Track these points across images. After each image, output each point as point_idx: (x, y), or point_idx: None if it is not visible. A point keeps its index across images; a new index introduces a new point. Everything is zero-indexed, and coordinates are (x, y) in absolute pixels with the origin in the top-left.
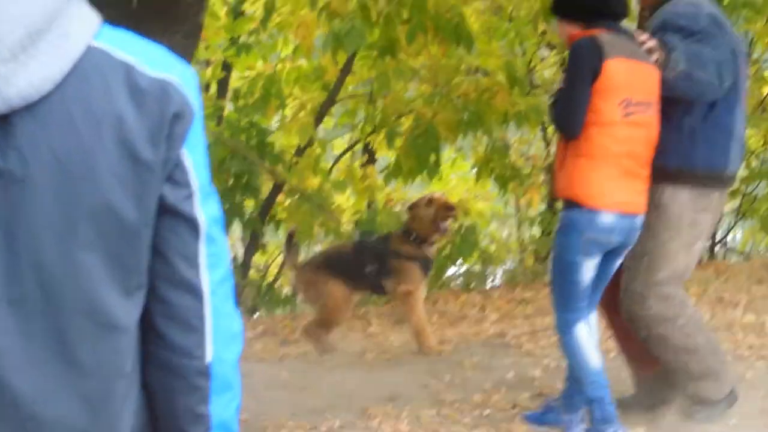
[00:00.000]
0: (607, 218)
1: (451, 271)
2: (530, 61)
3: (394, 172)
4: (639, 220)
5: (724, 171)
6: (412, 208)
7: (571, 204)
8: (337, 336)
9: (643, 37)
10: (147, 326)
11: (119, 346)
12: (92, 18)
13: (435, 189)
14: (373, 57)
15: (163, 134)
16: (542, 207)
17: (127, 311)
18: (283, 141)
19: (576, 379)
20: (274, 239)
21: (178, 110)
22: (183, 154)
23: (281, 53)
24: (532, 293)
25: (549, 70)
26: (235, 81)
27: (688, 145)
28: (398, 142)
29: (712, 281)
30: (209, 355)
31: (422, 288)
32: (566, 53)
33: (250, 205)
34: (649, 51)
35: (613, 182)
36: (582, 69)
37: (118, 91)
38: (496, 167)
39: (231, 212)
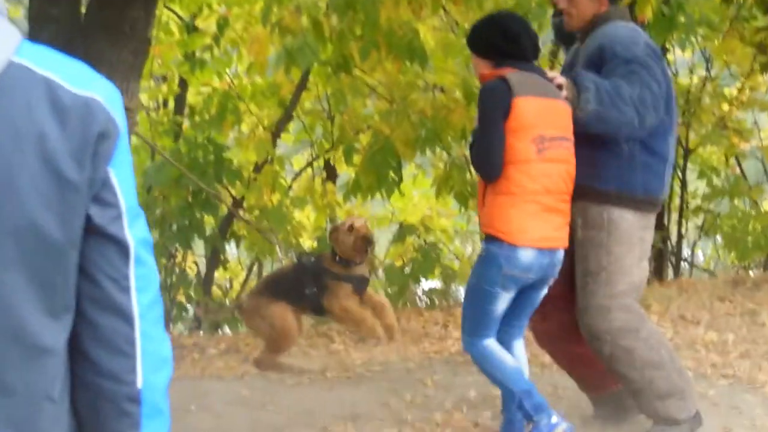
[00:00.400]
0: (526, 255)
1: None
2: None
3: (354, 188)
4: (559, 255)
5: (659, 196)
6: (333, 232)
7: (493, 238)
8: (299, 353)
9: (553, 74)
10: (76, 350)
11: (46, 369)
12: (13, 34)
13: (397, 205)
14: (328, 73)
15: (88, 153)
16: None
17: (54, 333)
18: (241, 157)
19: (501, 386)
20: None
21: (102, 129)
22: (109, 174)
23: (237, 69)
24: None
25: None
26: (192, 97)
27: (627, 170)
28: (356, 158)
29: (674, 299)
30: (140, 381)
31: (352, 302)
32: None
33: (210, 221)
34: (559, 87)
35: (532, 219)
36: (492, 111)
37: (41, 108)
38: (456, 184)
39: (191, 229)
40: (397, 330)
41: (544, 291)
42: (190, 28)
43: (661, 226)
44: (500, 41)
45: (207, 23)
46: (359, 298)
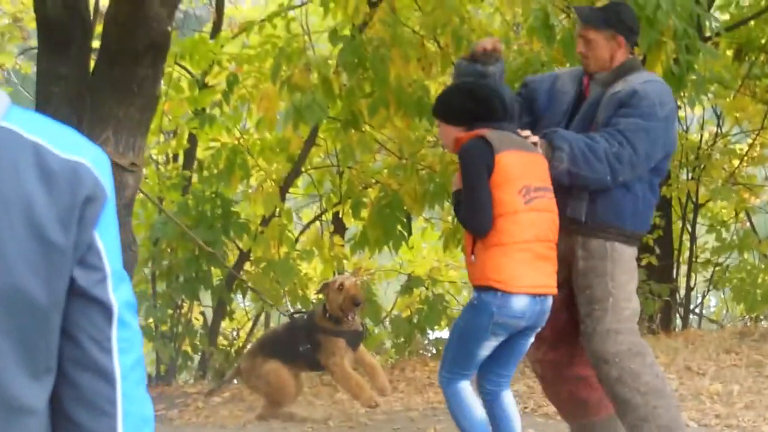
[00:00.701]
0: (519, 302)
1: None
2: None
3: (361, 242)
4: (549, 302)
5: (642, 233)
6: (324, 288)
7: (486, 288)
8: (303, 402)
9: (526, 133)
10: (57, 411)
11: (28, 430)
12: (2, 98)
13: (405, 257)
14: (337, 129)
15: (74, 217)
16: None
17: (36, 394)
18: (249, 211)
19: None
20: (241, 307)
21: (89, 193)
22: (95, 237)
23: (247, 124)
24: None
25: None
26: (201, 152)
27: (642, 210)
28: (364, 212)
29: (680, 350)
30: None
31: (347, 359)
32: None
33: (217, 273)
34: (534, 144)
35: (525, 266)
36: (477, 168)
37: (28, 173)
38: (463, 237)
39: (197, 280)
40: (389, 391)
41: (532, 339)
42: (200, 85)
43: (669, 279)
44: (471, 105)
45: (217, 80)
46: (353, 355)
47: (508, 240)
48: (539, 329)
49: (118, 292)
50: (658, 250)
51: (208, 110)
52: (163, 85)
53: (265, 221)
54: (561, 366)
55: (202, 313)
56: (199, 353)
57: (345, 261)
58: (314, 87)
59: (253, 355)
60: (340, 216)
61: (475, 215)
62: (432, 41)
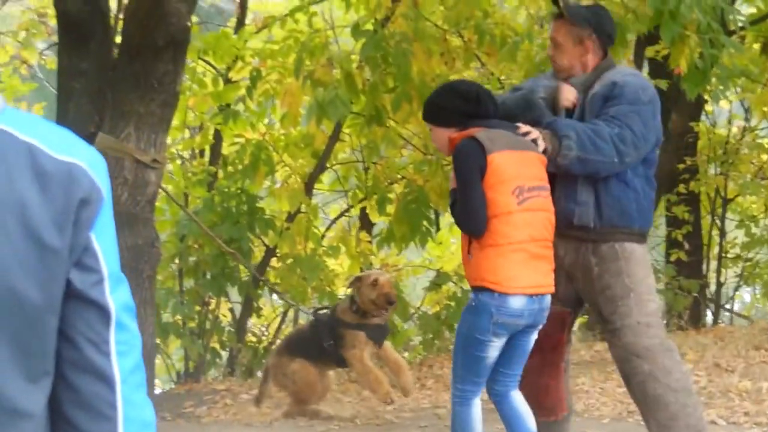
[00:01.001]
0: (516, 302)
1: None
2: None
3: (387, 238)
4: (547, 300)
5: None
6: (356, 282)
7: (483, 289)
8: (331, 400)
9: (526, 128)
10: (56, 414)
11: None
12: None
13: (434, 253)
14: (361, 124)
15: (70, 219)
16: None
17: (33, 398)
18: (274, 207)
19: None
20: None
21: (85, 195)
22: (91, 239)
23: (273, 119)
24: None
25: None
26: (226, 147)
27: (646, 206)
28: (390, 208)
29: (709, 347)
30: None
31: (367, 352)
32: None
33: (244, 270)
34: (534, 141)
35: (521, 267)
36: (469, 169)
37: (22, 174)
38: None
39: (224, 277)
40: (412, 392)
41: (534, 337)
42: (224, 80)
43: (699, 274)
44: (462, 105)
45: (240, 75)
46: (377, 349)
47: (503, 241)
48: (540, 326)
49: (116, 295)
50: (687, 246)
51: (232, 106)
52: (187, 81)
53: (291, 217)
54: (531, 373)
55: (231, 310)
56: (228, 350)
57: (372, 257)
58: (337, 82)
59: (279, 354)
60: (367, 211)
61: (469, 216)
62: (456, 35)
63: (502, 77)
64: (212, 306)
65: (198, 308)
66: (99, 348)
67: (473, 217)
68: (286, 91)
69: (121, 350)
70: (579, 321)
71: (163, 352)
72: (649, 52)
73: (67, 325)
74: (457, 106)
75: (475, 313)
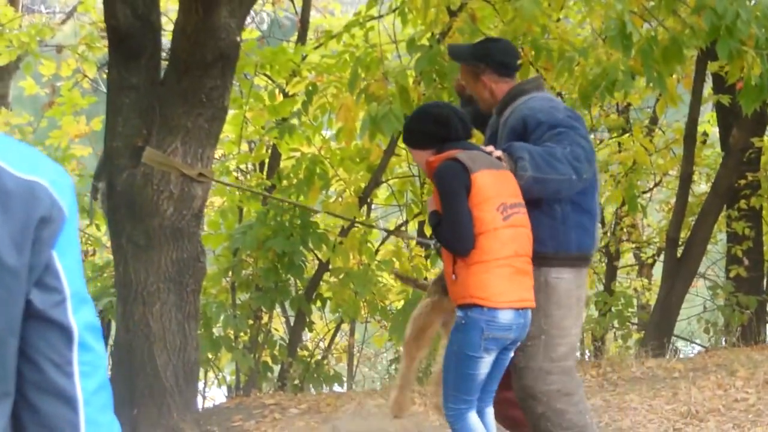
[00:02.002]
0: (506, 316)
1: None
2: None
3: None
4: (529, 314)
5: (591, 251)
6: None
7: (471, 306)
8: (378, 414)
9: (490, 148)
10: None
11: None
12: None
13: None
14: None
15: (29, 238)
16: (599, 287)
17: None
18: (328, 221)
19: None
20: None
21: (45, 214)
22: (53, 259)
23: (329, 133)
24: (579, 374)
25: (604, 150)
26: (282, 161)
27: (562, 230)
28: None
29: (762, 364)
30: None
31: None
32: (621, 136)
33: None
34: (499, 159)
35: (507, 282)
36: (455, 189)
37: None
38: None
39: (276, 291)
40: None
41: (512, 354)
42: (280, 95)
43: (758, 291)
44: (433, 128)
45: (296, 89)
46: None
47: (489, 257)
48: (519, 343)
49: (79, 315)
50: (746, 262)
51: (288, 120)
52: (243, 96)
53: (344, 231)
54: (500, 388)
55: (287, 322)
56: (279, 364)
57: (425, 272)
58: (392, 97)
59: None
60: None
61: (458, 235)
62: None
63: (564, 92)
64: (264, 320)
65: (250, 322)
66: (61, 369)
67: (463, 236)
68: (341, 106)
69: (85, 371)
70: (635, 337)
71: (214, 366)
72: (712, 67)
73: (28, 345)
74: (429, 130)
75: (465, 330)
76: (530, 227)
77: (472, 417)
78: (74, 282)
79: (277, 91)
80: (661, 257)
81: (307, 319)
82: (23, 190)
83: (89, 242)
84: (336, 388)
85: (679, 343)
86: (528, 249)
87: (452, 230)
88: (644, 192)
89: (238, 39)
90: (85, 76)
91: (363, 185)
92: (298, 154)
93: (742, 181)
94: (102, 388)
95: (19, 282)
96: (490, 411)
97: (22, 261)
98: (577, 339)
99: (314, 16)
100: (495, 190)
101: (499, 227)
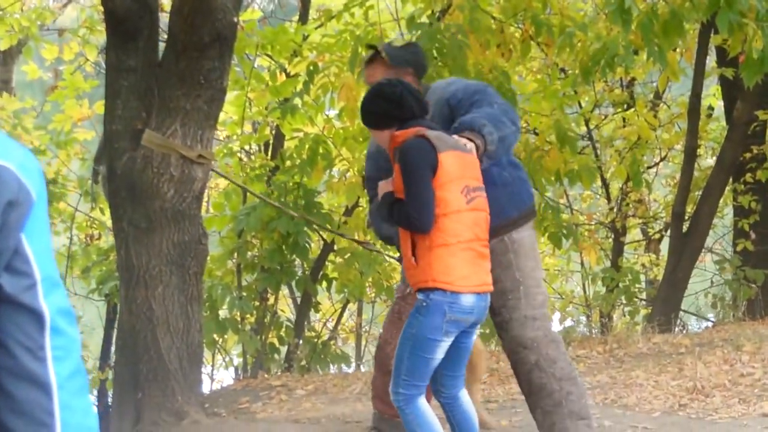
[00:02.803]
0: (468, 299)
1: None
2: (588, 119)
3: None
4: (489, 298)
5: (533, 203)
6: None
7: (433, 290)
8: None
9: (456, 136)
10: None
11: None
12: None
13: None
14: None
15: None
16: (606, 263)
17: None
18: (332, 201)
19: None
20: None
21: (12, 197)
22: (21, 243)
23: (332, 112)
24: (585, 351)
25: (608, 126)
26: (287, 142)
27: (516, 191)
28: None
29: (766, 338)
30: None
31: None
32: (626, 111)
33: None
34: (470, 140)
35: (470, 265)
36: (421, 167)
37: None
38: (551, 225)
39: (281, 272)
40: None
41: (474, 335)
42: (282, 75)
43: (766, 264)
44: (387, 107)
45: (298, 69)
46: None
47: (453, 240)
48: (479, 325)
49: (50, 299)
50: (753, 236)
51: (290, 100)
52: (244, 77)
53: (348, 211)
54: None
55: (294, 302)
56: (286, 345)
57: None
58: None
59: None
60: None
61: (419, 211)
62: (514, 26)
63: (567, 68)
64: (270, 301)
65: (256, 304)
66: (34, 354)
67: (424, 213)
68: (343, 85)
69: (58, 355)
70: (642, 312)
71: (221, 349)
72: (715, 40)
73: (0, 331)
74: (383, 109)
75: (426, 313)
76: (488, 212)
77: (422, 401)
78: (45, 266)
79: (278, 71)
80: (668, 232)
81: (313, 300)
82: None
83: (93, 226)
84: (343, 368)
85: (687, 318)
86: (486, 234)
87: (415, 207)
88: (650, 167)
89: (235, 20)
90: (87, 59)
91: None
92: (301, 134)
93: (748, 155)
94: (76, 372)
95: None
96: (464, 393)
97: None
98: (547, 295)
99: None
100: (460, 172)
101: (462, 210)
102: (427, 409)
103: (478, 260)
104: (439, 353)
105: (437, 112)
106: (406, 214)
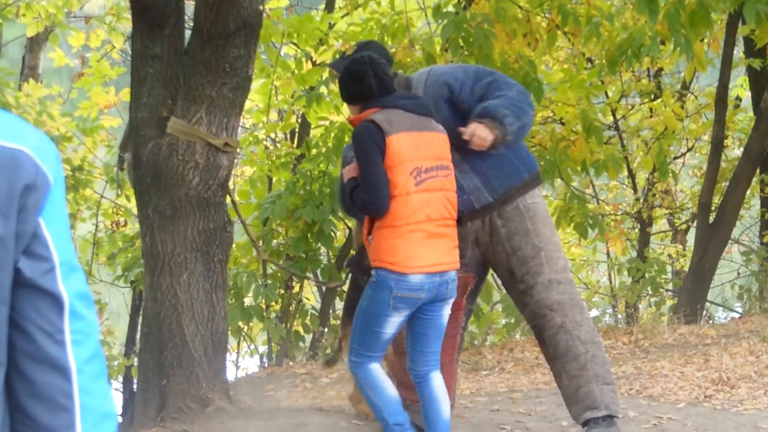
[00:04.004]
0: (415, 278)
1: None
2: (615, 109)
3: None
4: (451, 274)
5: (537, 168)
6: None
7: (382, 269)
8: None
9: (461, 129)
10: (13, 406)
11: None
12: None
13: None
14: None
15: (14, 206)
16: (632, 254)
17: None
18: None
19: (377, 412)
20: None
21: (29, 181)
22: (40, 226)
23: None
24: (611, 341)
25: (635, 115)
26: (313, 130)
27: (524, 153)
28: None
29: None
30: None
31: None
32: (653, 102)
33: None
34: (483, 139)
35: (418, 246)
36: (370, 151)
37: None
38: (576, 215)
39: (306, 260)
40: None
41: (446, 312)
42: (308, 63)
43: None
44: (350, 84)
45: (323, 57)
46: None
47: (400, 222)
48: (451, 300)
49: (69, 283)
50: None
51: (315, 89)
52: (270, 65)
53: None
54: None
55: (320, 289)
56: (311, 333)
57: None
58: (418, 64)
59: (344, 324)
60: None
61: (374, 196)
62: (541, 16)
63: (594, 58)
64: (296, 289)
65: (281, 292)
66: (53, 338)
67: (379, 196)
68: None
69: (77, 339)
70: (669, 303)
71: (246, 336)
72: (743, 30)
73: (19, 315)
74: (346, 86)
75: (375, 288)
76: (452, 189)
77: (374, 366)
78: (63, 250)
79: (304, 59)
80: (695, 223)
81: (339, 289)
82: (6, 158)
83: (119, 213)
84: None
85: (713, 309)
86: (446, 212)
87: (369, 192)
88: (676, 157)
89: (261, 8)
90: (114, 47)
91: None
92: (326, 122)
93: None
94: (95, 356)
95: (6, 251)
96: (436, 375)
97: (9, 229)
98: (567, 259)
99: None
100: (410, 154)
101: (411, 192)
102: (381, 373)
103: (428, 241)
104: (388, 327)
105: (433, 93)
106: (361, 199)
